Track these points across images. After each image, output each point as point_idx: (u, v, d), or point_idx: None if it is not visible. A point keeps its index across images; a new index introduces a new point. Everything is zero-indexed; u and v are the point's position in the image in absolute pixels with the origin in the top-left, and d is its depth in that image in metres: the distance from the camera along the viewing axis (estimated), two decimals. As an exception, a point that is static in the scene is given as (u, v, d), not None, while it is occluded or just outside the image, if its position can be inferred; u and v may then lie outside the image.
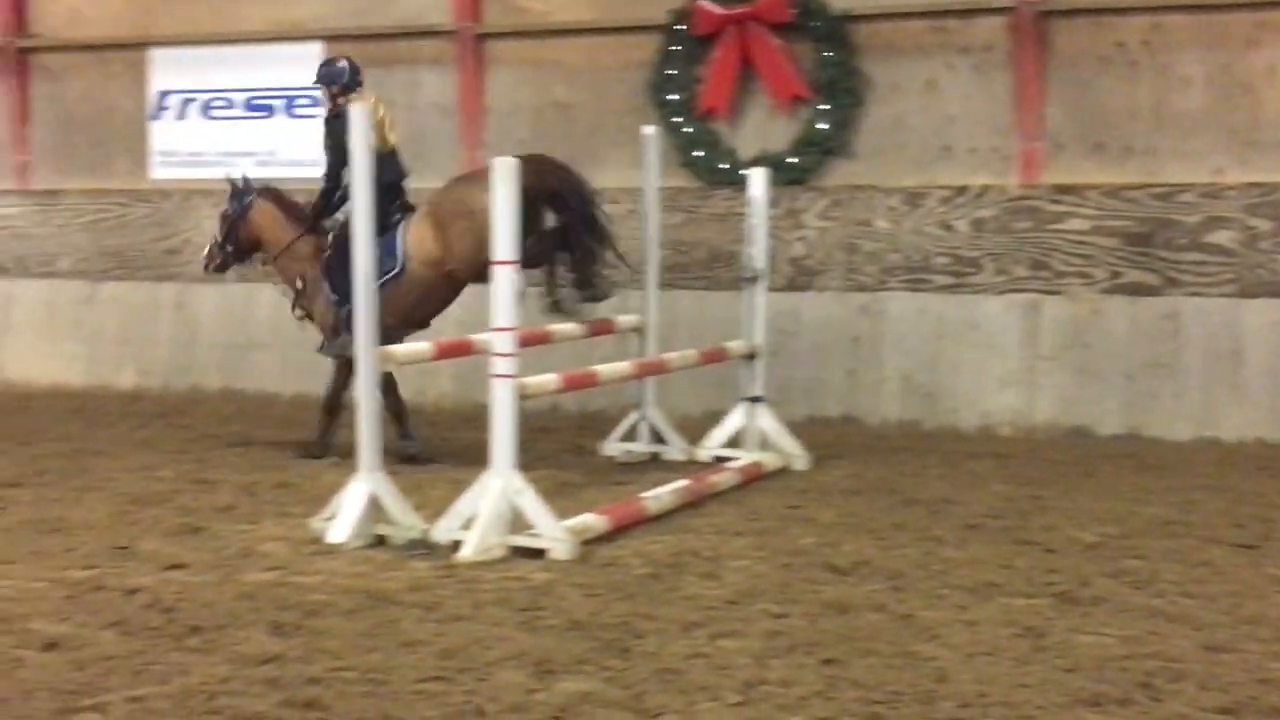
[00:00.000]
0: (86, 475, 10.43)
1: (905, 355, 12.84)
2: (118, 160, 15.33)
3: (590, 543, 8.19)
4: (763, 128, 13.42)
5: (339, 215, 10.71)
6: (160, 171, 15.19)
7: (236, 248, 11.42)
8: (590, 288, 10.16)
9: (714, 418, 11.41)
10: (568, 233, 10.13)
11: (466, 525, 8.09)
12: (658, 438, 11.10)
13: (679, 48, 13.49)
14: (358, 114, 8.20)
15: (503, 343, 8.05)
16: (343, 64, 10.95)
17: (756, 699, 5.67)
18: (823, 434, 11.84)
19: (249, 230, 11.34)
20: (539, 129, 14.00)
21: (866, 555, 8.03)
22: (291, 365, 14.23)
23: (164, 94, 15.09)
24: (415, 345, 8.98)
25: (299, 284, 11.10)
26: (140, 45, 15.17)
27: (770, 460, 10.70)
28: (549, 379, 8.83)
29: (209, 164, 14.91)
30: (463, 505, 8.17)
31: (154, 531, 8.65)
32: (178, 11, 15.09)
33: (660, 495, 9.20)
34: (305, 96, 14.47)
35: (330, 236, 10.84)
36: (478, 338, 9.12)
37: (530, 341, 8.96)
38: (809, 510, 9.27)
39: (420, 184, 14.03)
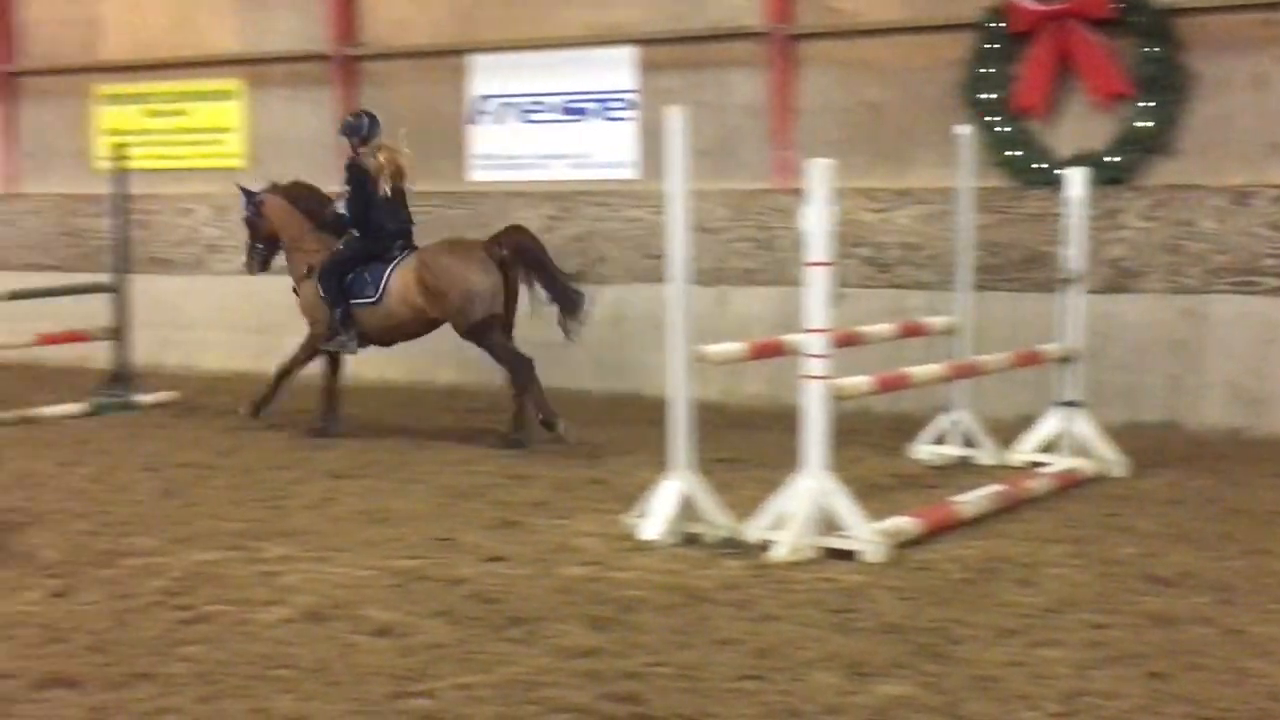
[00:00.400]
0: (409, 468, 10.81)
1: (1231, 360, 12.37)
2: (439, 163, 15.81)
3: (902, 546, 8.13)
4: (1080, 126, 13.09)
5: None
6: (478, 174, 15.64)
7: (265, 244, 12.99)
8: (575, 314, 11.83)
9: (1026, 422, 11.19)
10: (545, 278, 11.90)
11: (778, 525, 8.12)
12: (969, 441, 10.95)
13: (994, 46, 13.26)
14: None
15: (816, 344, 8.05)
16: (364, 120, 12.47)
17: (1079, 710, 5.55)
18: (1141, 440, 11.49)
19: (266, 226, 12.89)
20: (848, 129, 13.94)
21: (1191, 566, 7.77)
22: (605, 364, 14.48)
23: (483, 99, 15.53)
24: (729, 346, 9.04)
25: (304, 271, 12.52)
26: (461, 52, 15.64)
27: (1086, 466, 10.44)
28: (862, 381, 8.80)
29: (525, 166, 15.30)
30: (774, 505, 8.21)
31: (474, 524, 8.93)
32: (497, 19, 15.51)
33: (973, 499, 9.08)
34: (619, 100, 14.72)
35: (341, 243, 12.31)
36: (790, 339, 9.14)
37: (843, 343, 8.93)
38: (1128, 518, 9.02)
39: (731, 184, 14.18)
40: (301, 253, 12.61)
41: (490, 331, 11.97)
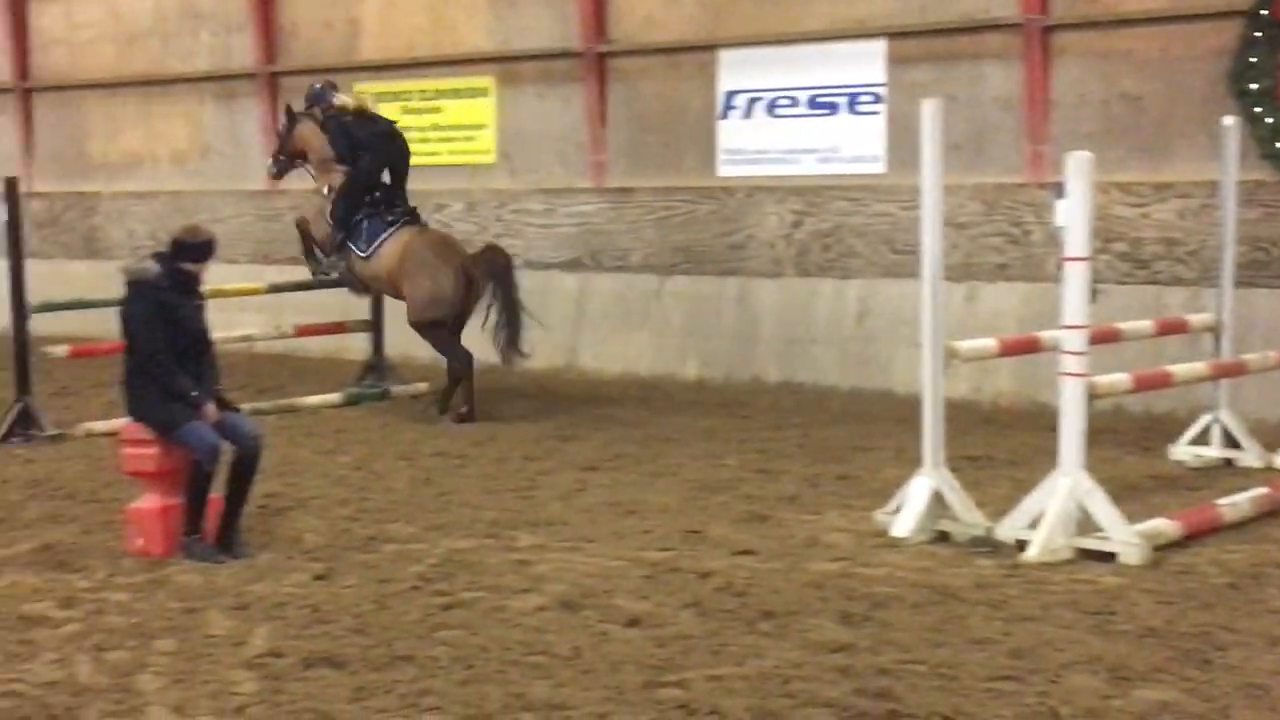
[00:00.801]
0: (656, 461, 10.89)
1: None
2: (686, 158, 15.89)
3: (1162, 549, 7.90)
4: (1353, 116, 12.55)
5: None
6: (726, 169, 15.66)
7: (288, 158, 14.56)
8: (516, 344, 12.95)
9: (1293, 424, 10.80)
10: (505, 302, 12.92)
11: (1032, 525, 7.96)
12: (1232, 442, 10.58)
13: (1263, 34, 12.79)
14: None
15: (1074, 340, 7.87)
16: (324, 89, 14.15)
17: (1356, 724, 5.33)
18: None
19: (295, 143, 14.38)
20: (1105, 122, 13.59)
21: None
22: (850, 359, 14.40)
23: (731, 94, 15.55)
24: (981, 342, 8.91)
25: (325, 190, 13.96)
26: (710, 47, 15.68)
27: (1358, 471, 10.02)
28: (1120, 379, 8.58)
29: (773, 161, 15.27)
30: (1029, 504, 8.05)
31: (722, 517, 8.95)
32: (745, 13, 15.51)
33: (1238, 502, 8.77)
34: (868, 94, 14.60)
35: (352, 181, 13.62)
36: (1047, 335, 8.95)
37: (1101, 339, 8.72)
38: (1404, 526, 8.63)
39: (982, 179, 13.95)
40: (322, 174, 14.11)
41: (439, 330, 13.12)
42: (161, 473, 8.14)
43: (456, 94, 17.36)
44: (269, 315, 16.67)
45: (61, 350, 12.95)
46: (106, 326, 15.56)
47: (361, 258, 13.49)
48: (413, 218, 13.69)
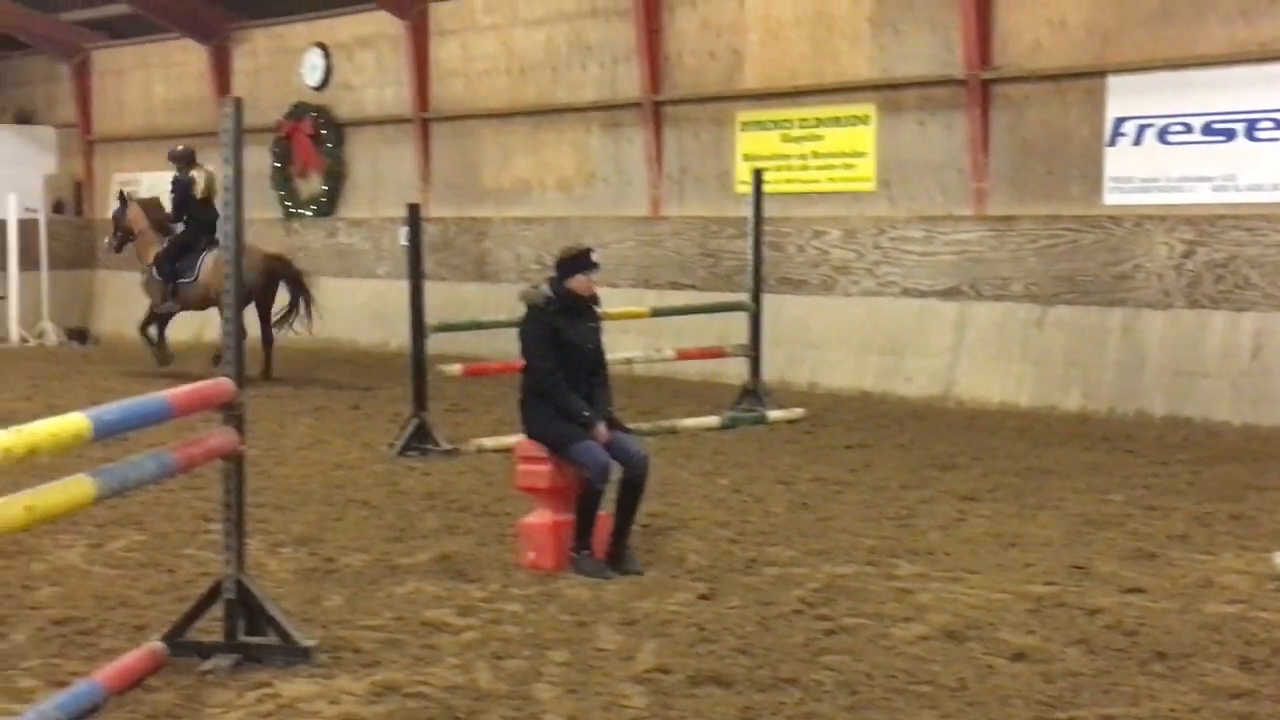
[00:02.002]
0: (1038, 493, 10.67)
1: None
2: (1071, 186, 15.55)
3: None
4: None
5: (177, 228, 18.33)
6: (1113, 197, 15.24)
7: (123, 233, 18.93)
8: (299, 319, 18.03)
9: None
10: (296, 293, 18.02)
11: None
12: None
13: None
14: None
15: None
16: (189, 151, 18.39)
17: None
18: None
19: (125, 223, 18.90)
20: None
21: None
22: (1244, 395, 13.84)
23: (1120, 120, 15.13)
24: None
25: (149, 262, 18.43)
26: (1098, 73, 15.31)
27: None
28: None
29: (1163, 189, 14.79)
30: None
31: (1108, 554, 8.71)
32: (1136, 39, 15.08)
33: None
34: (1268, 119, 14.01)
35: (166, 242, 18.34)
36: None
37: None
38: None
39: None
40: (145, 246, 18.58)
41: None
42: (553, 489, 8.42)
43: (837, 122, 17.42)
44: (649, 338, 17.08)
45: (455, 369, 13.53)
46: (496, 346, 16.30)
47: (188, 283, 18.01)
48: (214, 242, 17.51)
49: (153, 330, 18.81)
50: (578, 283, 8.48)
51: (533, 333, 8.46)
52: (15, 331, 24.03)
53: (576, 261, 8.50)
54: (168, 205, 18.90)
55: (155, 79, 26.19)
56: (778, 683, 6.24)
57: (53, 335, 24.55)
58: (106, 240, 18.56)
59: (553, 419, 8.38)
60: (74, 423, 5.23)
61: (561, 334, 8.39)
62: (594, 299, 8.71)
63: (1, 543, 8.52)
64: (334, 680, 6.32)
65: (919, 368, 15.70)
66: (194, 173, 18.29)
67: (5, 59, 29.27)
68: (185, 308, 18.42)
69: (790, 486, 10.98)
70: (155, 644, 6.50)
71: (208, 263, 17.75)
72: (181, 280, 18.11)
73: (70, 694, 5.79)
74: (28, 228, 24.55)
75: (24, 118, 28.37)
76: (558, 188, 20.42)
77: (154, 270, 18.35)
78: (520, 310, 8.67)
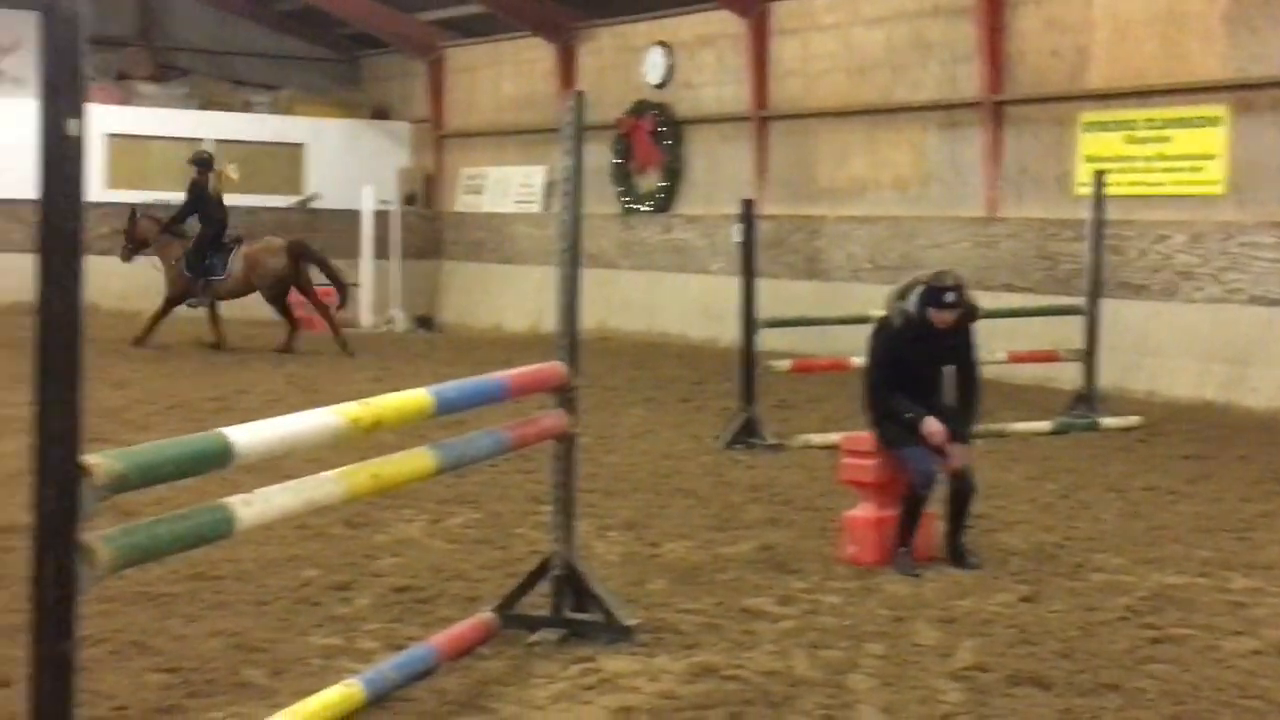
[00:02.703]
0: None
1: None
2: None
3: None
4: None
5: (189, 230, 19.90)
6: None
7: (134, 243, 20.13)
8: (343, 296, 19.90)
9: None
10: (327, 273, 19.87)
11: None
12: None
13: None
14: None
15: None
16: (208, 155, 19.95)
17: None
18: None
19: (137, 234, 20.08)
20: None
21: None
22: None
23: None
24: None
25: (173, 262, 19.75)
26: None
27: None
28: None
29: None
30: None
31: None
32: None
33: None
34: None
35: (189, 240, 19.76)
36: None
37: None
38: None
39: None
40: (165, 250, 19.87)
41: (281, 296, 19.83)
42: (878, 484, 8.43)
43: (1185, 123, 16.86)
44: (981, 340, 16.83)
45: (784, 365, 13.62)
46: (825, 344, 16.35)
47: (220, 279, 19.51)
48: (237, 241, 19.74)
49: (160, 322, 19.95)
50: (934, 315, 8.40)
51: (877, 346, 8.57)
52: (368, 317, 25.18)
53: (934, 295, 8.39)
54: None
55: (505, 76, 27.07)
56: (1098, 688, 6.14)
57: (401, 322, 25.63)
58: (120, 251, 20.05)
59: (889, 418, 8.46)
60: (418, 398, 5.51)
61: (904, 358, 8.45)
62: (963, 320, 8.56)
63: (349, 515, 9.00)
64: (654, 659, 6.48)
65: (1266, 378, 15.06)
66: (210, 175, 19.71)
67: (365, 57, 30.69)
68: (217, 299, 19.81)
69: (1121, 494, 10.71)
70: (487, 615, 6.78)
71: (239, 258, 19.54)
72: (214, 276, 19.53)
73: (407, 656, 6.10)
74: (382, 219, 25.70)
75: (380, 113, 29.68)
76: (893, 187, 20.32)
77: (183, 267, 19.61)
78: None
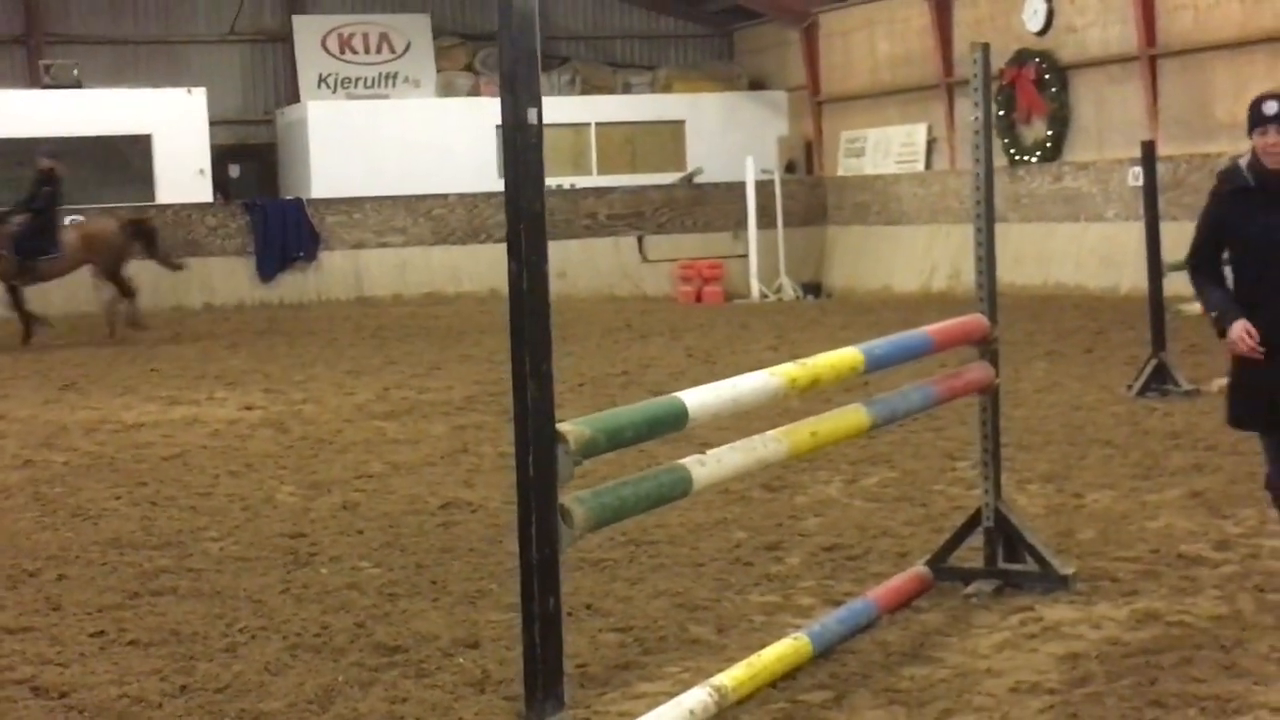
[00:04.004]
0: None
1: None
2: None
3: None
4: None
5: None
6: None
7: None
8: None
9: None
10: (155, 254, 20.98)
11: None
12: None
13: None
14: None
15: None
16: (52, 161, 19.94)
17: None
18: None
19: None
20: None
21: None
22: None
23: None
24: None
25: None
26: None
27: None
28: None
29: None
30: None
31: None
32: None
33: None
34: None
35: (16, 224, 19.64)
36: None
37: None
38: None
39: None
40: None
41: (117, 272, 20.09)
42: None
43: None
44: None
45: (1194, 308, 13.17)
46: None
47: (52, 257, 19.73)
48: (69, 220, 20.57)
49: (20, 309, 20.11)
50: (1259, 143, 6.04)
51: (1204, 209, 6.34)
52: (756, 287, 25.50)
53: (1254, 114, 6.06)
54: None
55: (879, 36, 26.95)
56: None
57: (789, 290, 25.86)
58: None
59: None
60: (850, 356, 5.63)
61: (1227, 222, 6.15)
62: None
63: (766, 478, 9.20)
64: (1094, 607, 6.45)
65: None
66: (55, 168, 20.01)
67: (740, 29, 31.02)
68: (42, 280, 19.98)
69: None
70: (920, 569, 6.86)
71: (70, 237, 19.96)
72: (43, 256, 19.64)
73: (848, 610, 6.23)
74: (764, 188, 25.96)
75: (757, 84, 29.97)
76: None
77: (11, 250, 19.50)
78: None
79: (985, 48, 6.87)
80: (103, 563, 7.92)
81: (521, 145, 4.06)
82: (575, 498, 4.30)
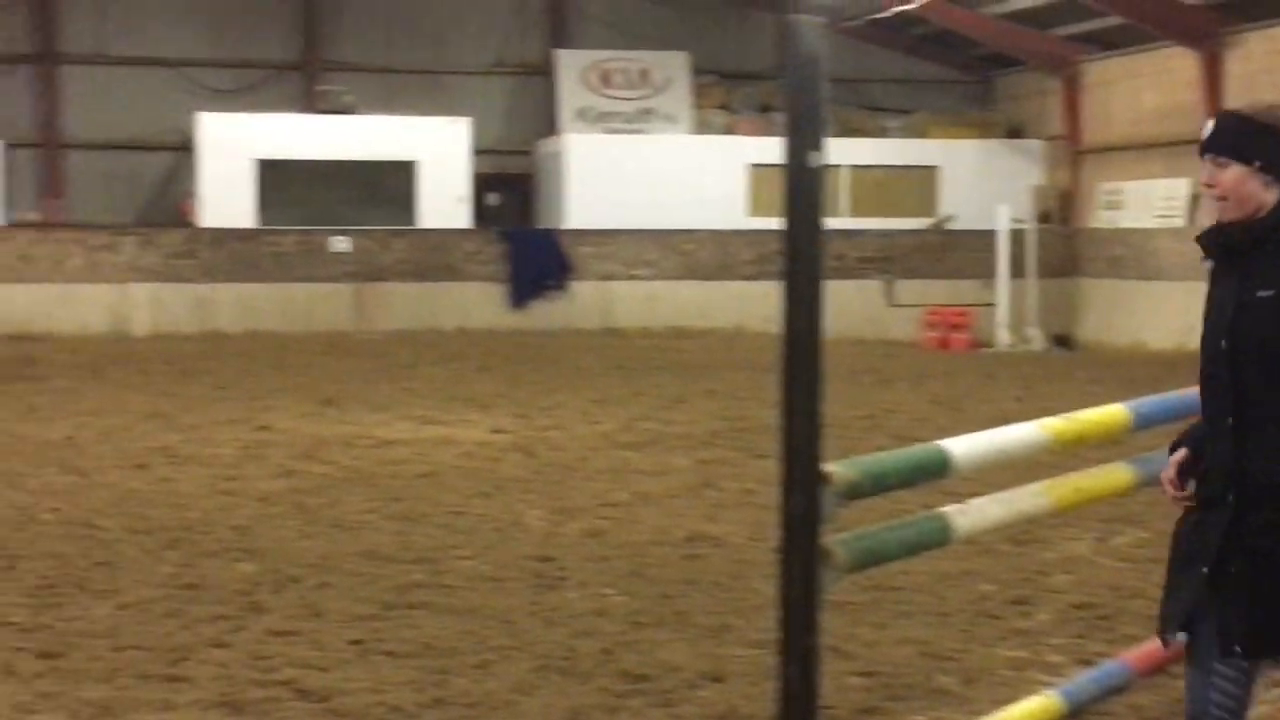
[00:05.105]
0: None
1: None
2: None
3: None
4: None
5: None
6: None
7: None
8: None
9: None
10: None
11: None
12: None
13: None
14: None
15: None
16: None
17: None
18: None
19: None
20: None
21: None
22: None
23: None
24: None
25: None
26: None
27: None
28: None
29: None
30: None
31: None
32: None
33: None
34: None
35: None
36: None
37: None
38: None
39: None
40: None
41: None
42: None
43: None
44: None
45: None
46: None
47: None
48: None
49: None
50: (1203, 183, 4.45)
51: None
52: (1003, 337, 25.14)
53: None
54: None
55: (1143, 87, 26.38)
56: None
57: (1038, 340, 25.43)
58: None
59: None
60: (1117, 413, 5.54)
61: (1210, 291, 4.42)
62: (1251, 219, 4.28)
63: (1014, 532, 9.07)
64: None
65: None
66: None
67: (998, 76, 30.69)
68: None
69: None
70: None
71: None
72: None
73: (1101, 670, 6.10)
74: (1017, 238, 25.60)
75: (1014, 132, 29.58)
76: None
77: None
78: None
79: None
80: (360, 573, 8.19)
81: (802, 187, 4.12)
82: (837, 539, 4.32)
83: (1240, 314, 4.24)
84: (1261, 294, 4.21)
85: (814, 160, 4.12)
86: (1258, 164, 4.26)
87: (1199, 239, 4.56)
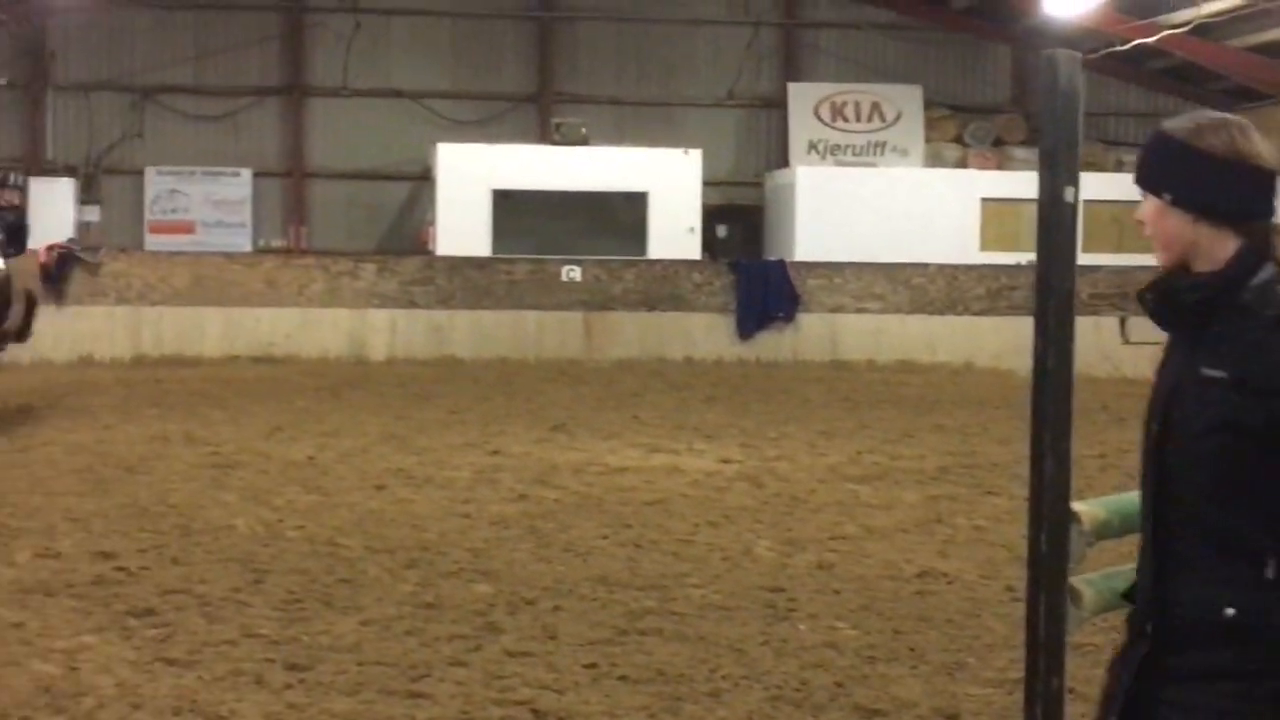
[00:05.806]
0: None
1: None
2: None
3: None
4: None
5: None
6: None
7: None
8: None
9: None
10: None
11: None
12: None
13: None
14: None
15: None
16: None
17: None
18: None
19: None
20: None
21: None
22: None
23: None
24: None
25: None
26: None
27: None
28: None
29: None
30: None
31: None
32: None
33: None
34: None
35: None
36: None
37: None
38: None
39: None
40: None
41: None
42: None
43: None
44: None
45: None
46: None
47: None
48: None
49: None
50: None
51: None
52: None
53: None
54: None
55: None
56: None
57: None
58: None
59: None
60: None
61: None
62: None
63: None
64: None
65: None
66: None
67: (1243, 110, 29.84)
68: None
69: None
70: None
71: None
72: None
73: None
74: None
75: (1258, 167, 28.69)
76: None
77: None
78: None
79: None
80: (593, 598, 8.31)
81: (1056, 223, 4.09)
82: (1085, 579, 4.26)
83: (1176, 395, 3.39)
84: (1207, 372, 3.32)
85: (1069, 195, 4.08)
86: (1168, 197, 3.53)
87: (1138, 294, 3.66)
